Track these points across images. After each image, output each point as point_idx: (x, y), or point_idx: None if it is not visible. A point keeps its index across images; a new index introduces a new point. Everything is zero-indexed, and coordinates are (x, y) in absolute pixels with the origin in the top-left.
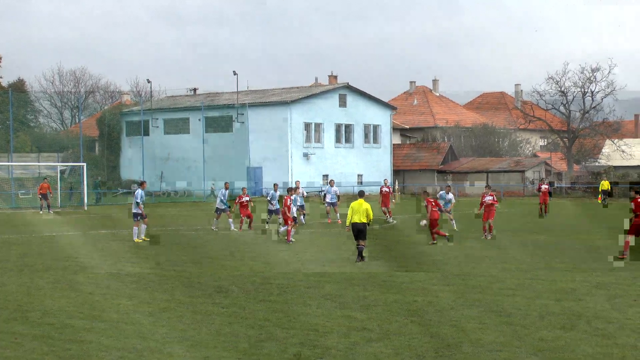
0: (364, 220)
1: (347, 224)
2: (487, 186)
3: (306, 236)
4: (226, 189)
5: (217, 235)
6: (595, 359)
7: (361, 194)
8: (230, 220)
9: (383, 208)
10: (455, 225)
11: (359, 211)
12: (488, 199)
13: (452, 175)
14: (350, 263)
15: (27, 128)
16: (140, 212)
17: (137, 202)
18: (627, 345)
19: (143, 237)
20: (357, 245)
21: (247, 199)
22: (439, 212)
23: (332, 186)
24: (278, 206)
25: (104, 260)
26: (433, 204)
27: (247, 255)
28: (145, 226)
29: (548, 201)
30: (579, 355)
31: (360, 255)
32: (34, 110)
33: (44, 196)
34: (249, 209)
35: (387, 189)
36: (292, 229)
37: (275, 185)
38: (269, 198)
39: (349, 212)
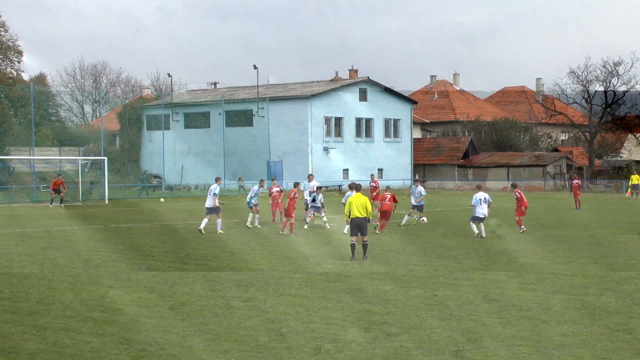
0: (364, 215)
1: (346, 218)
2: (513, 184)
3: (325, 231)
4: (261, 186)
5: (239, 230)
6: (616, 354)
7: (358, 188)
8: (257, 215)
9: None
10: (424, 220)
11: (358, 205)
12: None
13: (472, 170)
14: (370, 258)
15: (48, 122)
16: (216, 205)
17: (214, 193)
18: None
19: (220, 231)
20: (352, 242)
21: (278, 189)
22: (390, 205)
23: (310, 181)
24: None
25: (124, 254)
26: (388, 197)
27: (267, 250)
28: (220, 220)
29: (579, 195)
30: (600, 351)
31: (364, 252)
32: (55, 105)
33: (57, 191)
34: (280, 200)
35: (374, 184)
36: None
37: (261, 181)
38: (252, 194)
39: (347, 206)
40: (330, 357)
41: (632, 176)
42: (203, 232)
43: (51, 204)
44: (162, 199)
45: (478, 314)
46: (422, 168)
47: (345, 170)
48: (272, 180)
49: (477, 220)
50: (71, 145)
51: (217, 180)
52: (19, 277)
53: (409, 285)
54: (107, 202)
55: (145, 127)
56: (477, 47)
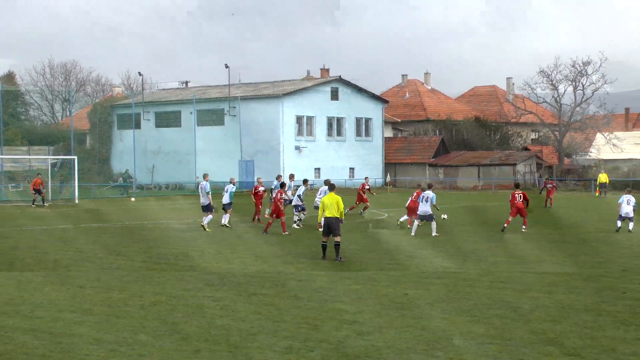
0: (336, 215)
1: (319, 220)
2: (516, 184)
3: (297, 231)
4: (233, 184)
5: (215, 230)
6: (585, 351)
7: (332, 187)
8: (227, 215)
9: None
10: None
11: (331, 205)
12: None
13: (443, 169)
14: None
15: (17, 121)
16: (210, 202)
17: (207, 192)
18: (616, 337)
19: (204, 224)
20: (322, 242)
21: (263, 189)
22: (278, 205)
23: (292, 180)
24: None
25: (94, 253)
26: (279, 196)
27: (238, 249)
28: (212, 216)
29: (552, 193)
30: (569, 348)
31: (337, 254)
32: (25, 104)
33: (38, 191)
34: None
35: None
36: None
37: (232, 179)
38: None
39: (321, 206)
40: (301, 357)
41: (600, 175)
42: (228, 225)
43: (34, 203)
44: (132, 199)
45: (449, 313)
46: (393, 167)
47: (317, 169)
48: (258, 180)
49: (420, 218)
50: (41, 144)
51: (231, 180)
52: None
53: (379, 284)
54: (77, 201)
55: (115, 126)
56: (448, 47)
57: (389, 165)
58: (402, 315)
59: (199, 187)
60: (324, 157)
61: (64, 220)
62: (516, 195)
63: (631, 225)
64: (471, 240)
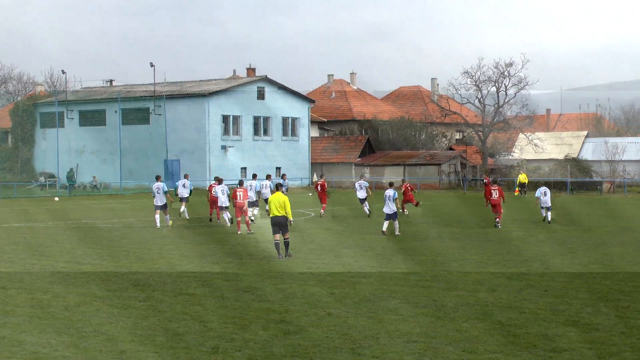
0: (283, 214)
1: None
2: (403, 180)
3: (225, 230)
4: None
5: (135, 229)
6: (507, 347)
7: (278, 187)
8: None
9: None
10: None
11: (277, 205)
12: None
13: (369, 168)
14: (268, 257)
15: None
16: (166, 202)
17: (164, 191)
18: (538, 334)
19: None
20: (275, 241)
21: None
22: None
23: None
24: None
25: (17, 254)
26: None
27: (164, 249)
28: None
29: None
30: (492, 345)
31: (286, 249)
32: None
33: None
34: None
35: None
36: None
37: (158, 176)
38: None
39: (268, 206)
40: (228, 356)
41: (520, 175)
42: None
43: None
44: (56, 198)
45: (375, 311)
46: (320, 166)
47: (243, 169)
48: (240, 182)
49: (386, 217)
50: None
51: (185, 176)
52: None
53: (306, 283)
54: None
55: (38, 125)
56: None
57: (316, 165)
58: (329, 314)
59: (155, 187)
60: (251, 157)
61: None
62: (492, 191)
63: (550, 216)
64: (396, 239)
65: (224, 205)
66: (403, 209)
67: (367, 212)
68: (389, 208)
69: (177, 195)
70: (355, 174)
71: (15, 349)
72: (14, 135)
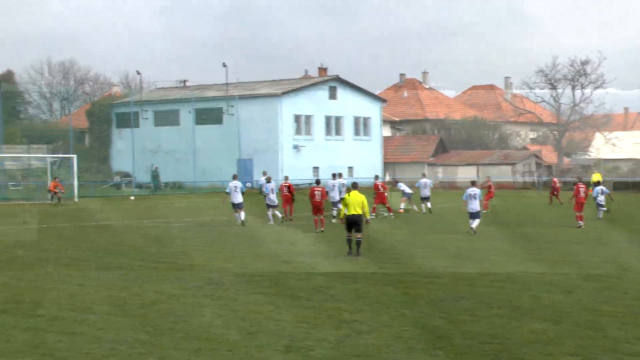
0: (360, 212)
1: (341, 216)
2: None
3: (296, 229)
4: (268, 181)
5: (209, 228)
6: (585, 350)
7: (355, 186)
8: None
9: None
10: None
11: (354, 203)
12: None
13: (442, 168)
14: (340, 256)
15: (16, 119)
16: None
17: (242, 190)
18: (618, 338)
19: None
20: (347, 237)
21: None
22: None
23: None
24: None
25: (94, 252)
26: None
27: (237, 248)
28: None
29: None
30: (569, 348)
31: (358, 249)
32: (24, 102)
33: (54, 193)
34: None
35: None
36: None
37: (235, 175)
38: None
39: (343, 205)
40: (301, 356)
41: (593, 175)
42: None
43: (59, 201)
44: (132, 197)
45: (448, 312)
46: (392, 166)
47: (316, 168)
48: (285, 177)
49: (470, 216)
50: (40, 142)
51: (268, 178)
52: None
53: (378, 283)
54: (77, 200)
55: (114, 125)
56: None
57: (388, 165)
58: (402, 314)
59: (232, 185)
60: (323, 156)
61: (64, 219)
62: (580, 189)
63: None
64: (469, 240)
65: (272, 204)
66: (486, 207)
67: (424, 210)
68: (474, 207)
69: (261, 193)
70: (428, 174)
71: (93, 345)
72: (91, 135)
